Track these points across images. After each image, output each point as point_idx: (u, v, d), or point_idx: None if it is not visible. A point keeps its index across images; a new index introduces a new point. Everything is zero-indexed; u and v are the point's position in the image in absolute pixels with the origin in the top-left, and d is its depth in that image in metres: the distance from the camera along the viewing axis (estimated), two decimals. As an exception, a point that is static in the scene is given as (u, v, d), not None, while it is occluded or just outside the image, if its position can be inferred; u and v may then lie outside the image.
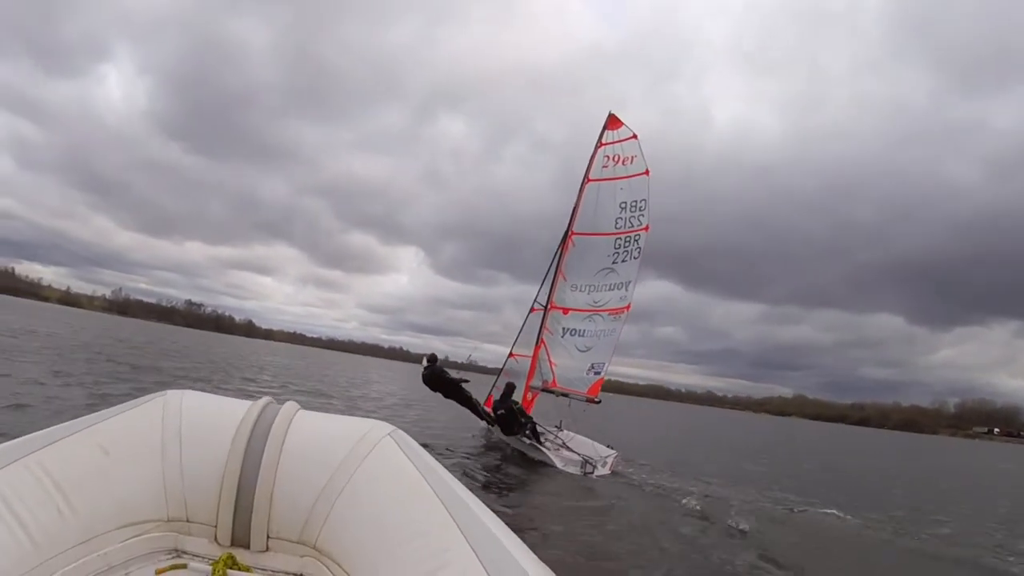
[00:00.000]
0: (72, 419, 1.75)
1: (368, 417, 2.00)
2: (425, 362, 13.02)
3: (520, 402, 14.19)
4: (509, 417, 12.74)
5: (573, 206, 14.38)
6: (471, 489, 1.65)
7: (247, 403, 1.89)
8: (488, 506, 1.56)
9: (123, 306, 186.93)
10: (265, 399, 1.89)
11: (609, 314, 14.00)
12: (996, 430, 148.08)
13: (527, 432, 12.80)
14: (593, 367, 14.02)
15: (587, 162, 14.51)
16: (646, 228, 13.82)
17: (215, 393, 2.09)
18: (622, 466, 12.74)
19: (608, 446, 13.24)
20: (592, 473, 11.27)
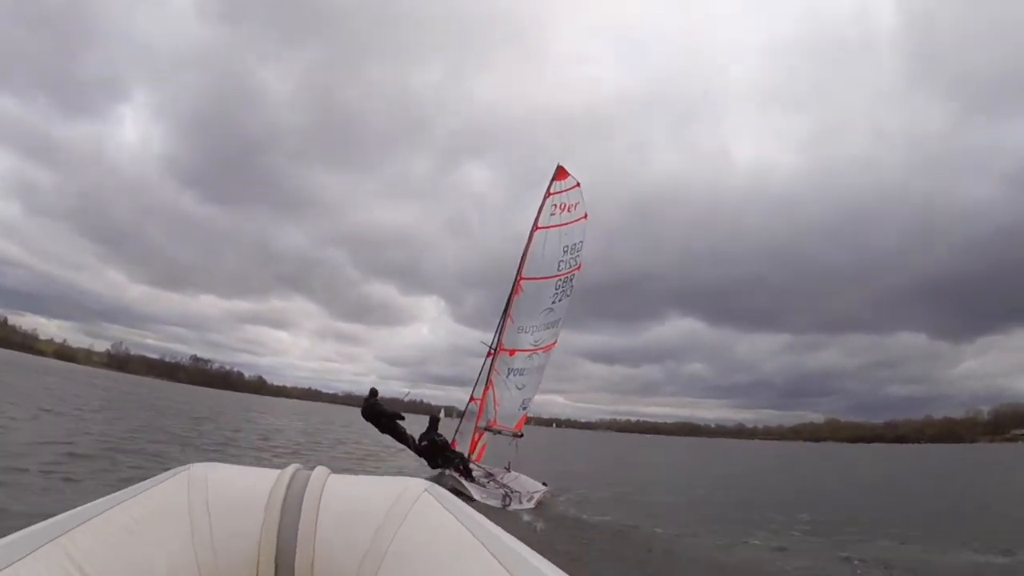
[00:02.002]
0: (95, 499, 1.65)
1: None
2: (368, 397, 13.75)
3: (465, 440, 14.69)
4: (431, 449, 13.18)
5: (522, 253, 15.09)
6: None
7: (275, 472, 1.75)
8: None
9: (122, 361, 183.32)
10: (293, 466, 1.75)
11: (543, 352, 14.63)
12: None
13: (458, 465, 13.22)
14: (523, 403, 14.66)
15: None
16: (579, 267, 14.63)
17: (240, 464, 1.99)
18: (562, 503, 13.04)
19: (543, 483, 13.48)
20: (509, 506, 11.70)
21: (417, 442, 13.48)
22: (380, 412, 13.61)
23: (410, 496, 1.69)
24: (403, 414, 13.90)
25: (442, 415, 14.00)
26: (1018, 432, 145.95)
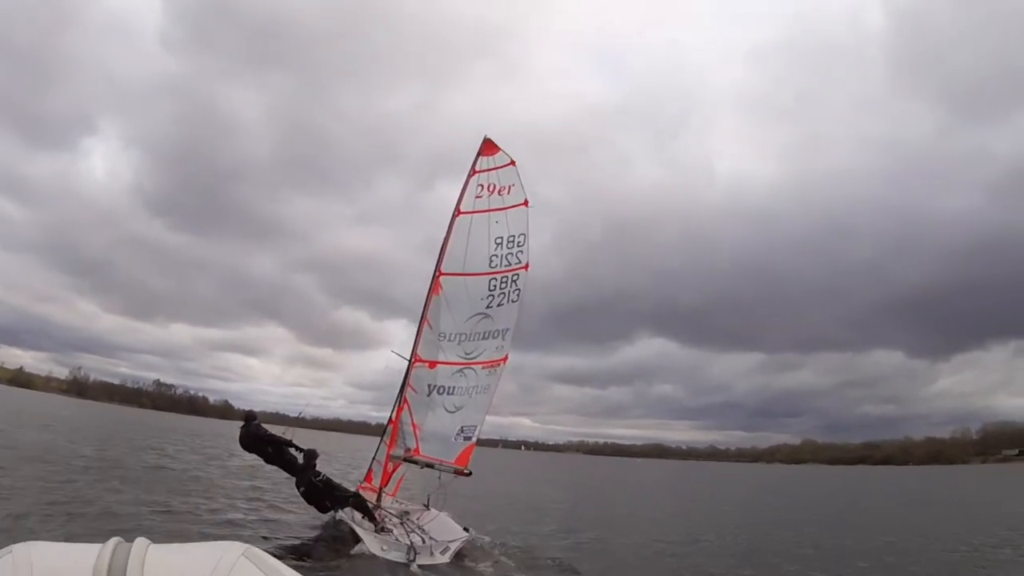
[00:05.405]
0: None
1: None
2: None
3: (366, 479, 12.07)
4: (311, 492, 10.52)
5: (442, 243, 12.55)
6: None
7: (97, 547, 1.67)
8: None
9: (83, 387, 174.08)
10: (114, 540, 1.69)
11: (483, 367, 11.88)
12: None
13: (356, 507, 10.62)
14: (463, 431, 11.73)
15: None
16: (526, 267, 11.99)
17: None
18: (487, 550, 10.71)
19: (464, 528, 10.80)
20: (416, 560, 9.04)
21: (299, 484, 10.83)
22: (262, 439, 11.03)
23: (226, 564, 1.70)
24: (294, 441, 11.21)
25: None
26: (1009, 452, 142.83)
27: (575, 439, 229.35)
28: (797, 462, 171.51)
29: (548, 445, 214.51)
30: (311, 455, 10.75)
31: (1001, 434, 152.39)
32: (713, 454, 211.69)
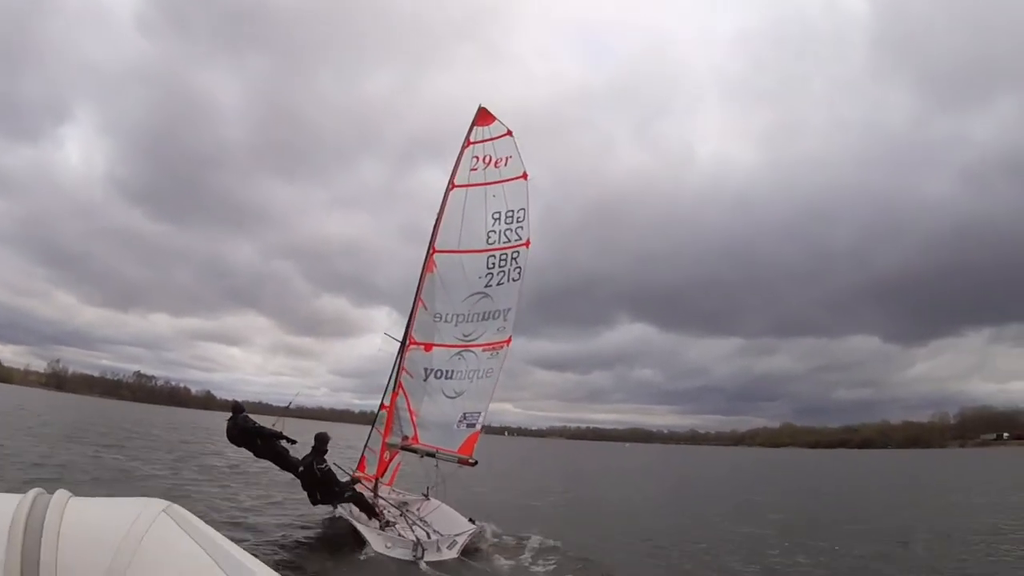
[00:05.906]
0: None
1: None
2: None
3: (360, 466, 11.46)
4: (308, 477, 9.86)
5: (436, 218, 11.83)
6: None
7: (18, 497, 1.58)
8: None
9: (61, 380, 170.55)
10: (34, 491, 1.61)
11: (484, 350, 11.26)
12: (1006, 435, 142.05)
13: (354, 501, 10.03)
14: (466, 417, 11.11)
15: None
16: (526, 243, 11.33)
17: None
18: (494, 542, 10.23)
19: (469, 519, 10.23)
20: (422, 557, 8.53)
21: (296, 469, 10.18)
22: (250, 431, 10.34)
23: (146, 518, 1.67)
24: (284, 433, 10.51)
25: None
26: (987, 437, 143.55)
27: (557, 424, 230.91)
28: (776, 445, 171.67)
29: (531, 431, 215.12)
30: (322, 439, 10.08)
31: (979, 418, 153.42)
32: (694, 438, 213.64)
